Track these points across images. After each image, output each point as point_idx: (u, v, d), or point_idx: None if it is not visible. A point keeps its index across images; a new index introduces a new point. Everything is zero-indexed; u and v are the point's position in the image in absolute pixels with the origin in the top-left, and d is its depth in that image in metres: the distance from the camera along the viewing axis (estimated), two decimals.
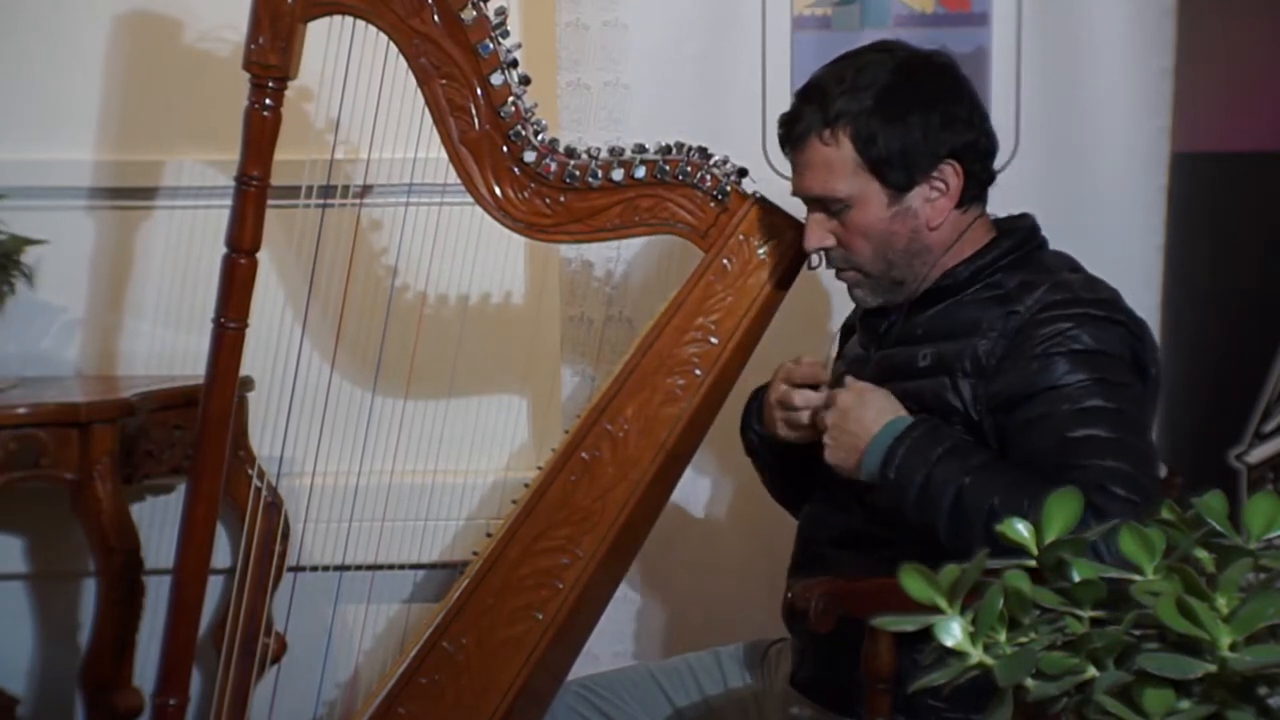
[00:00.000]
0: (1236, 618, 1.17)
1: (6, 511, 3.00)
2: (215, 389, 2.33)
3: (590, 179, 2.36)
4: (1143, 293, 2.91)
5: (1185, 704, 1.16)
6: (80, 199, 3.04)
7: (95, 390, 2.90)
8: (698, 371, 2.36)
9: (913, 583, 1.26)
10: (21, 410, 2.65)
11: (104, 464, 2.66)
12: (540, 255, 3.00)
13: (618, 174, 2.36)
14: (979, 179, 2.24)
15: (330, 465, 2.59)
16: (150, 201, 3.05)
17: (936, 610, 1.25)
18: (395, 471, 2.73)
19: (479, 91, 2.34)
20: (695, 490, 2.94)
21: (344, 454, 2.61)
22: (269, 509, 2.80)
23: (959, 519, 2.04)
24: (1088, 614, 1.24)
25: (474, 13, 2.31)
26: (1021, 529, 1.30)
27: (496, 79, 2.33)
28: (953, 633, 1.24)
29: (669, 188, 2.38)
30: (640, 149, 2.39)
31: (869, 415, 2.14)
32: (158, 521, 2.92)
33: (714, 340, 2.36)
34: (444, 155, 2.37)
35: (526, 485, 2.39)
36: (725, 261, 2.38)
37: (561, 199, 2.38)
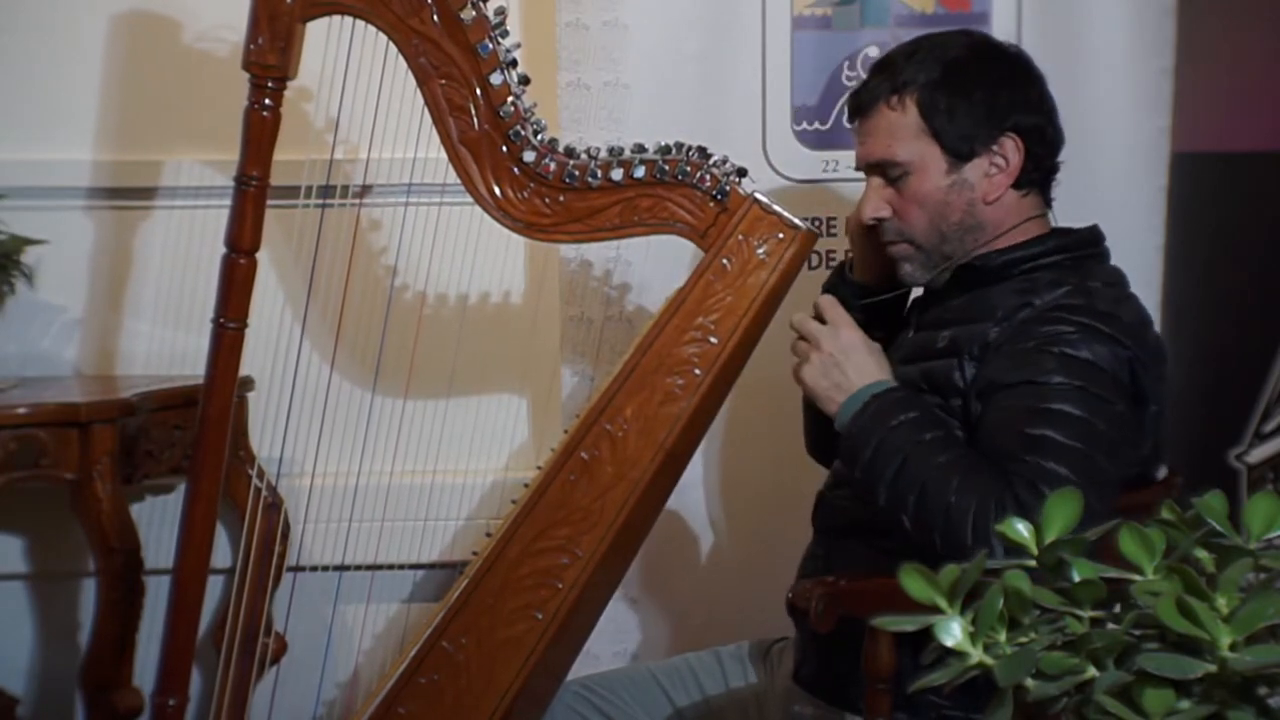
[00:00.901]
0: (1236, 618, 1.17)
1: (6, 511, 3.00)
2: (215, 389, 2.33)
3: (589, 179, 2.36)
4: (1143, 293, 2.89)
5: (1185, 704, 1.16)
6: (79, 199, 3.04)
7: (95, 390, 2.90)
8: (697, 371, 2.36)
9: (913, 583, 1.26)
10: (21, 410, 2.65)
11: (104, 464, 2.66)
12: (540, 255, 3.00)
13: (617, 174, 2.36)
14: (1041, 163, 2.24)
15: (330, 465, 2.59)
16: (150, 201, 3.05)
17: (936, 610, 1.25)
18: (395, 471, 2.73)
19: (478, 91, 2.33)
20: (695, 490, 2.94)
21: (344, 454, 2.61)
22: (269, 509, 2.80)
23: (897, 487, 2.07)
24: (1088, 614, 1.24)
25: (473, 12, 2.31)
26: (1021, 529, 1.30)
27: (496, 79, 2.33)
28: (953, 633, 1.24)
29: (668, 187, 2.38)
30: (640, 149, 2.39)
31: (869, 365, 2.18)
32: (157, 521, 2.92)
33: (713, 340, 2.36)
34: (443, 155, 2.36)
35: (526, 485, 2.39)
36: (725, 261, 2.38)
37: (561, 199, 2.37)
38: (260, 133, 2.30)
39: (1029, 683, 1.20)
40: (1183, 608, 1.17)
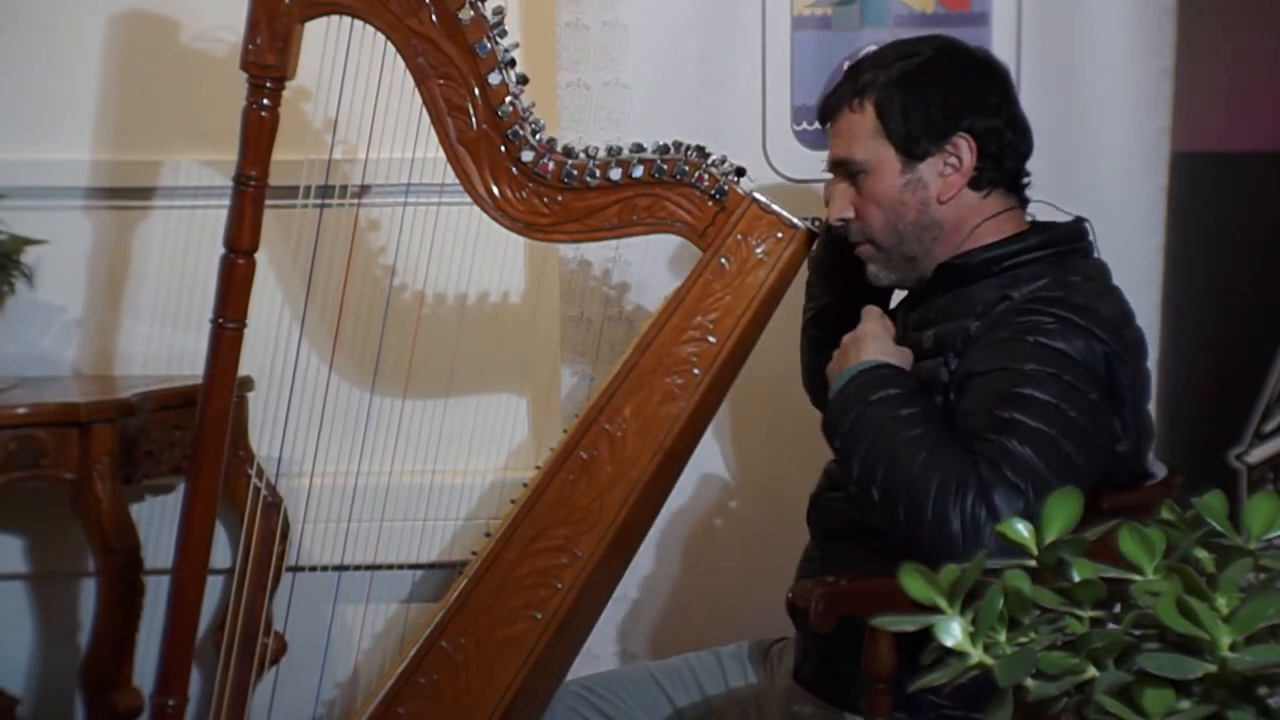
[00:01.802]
0: (1236, 618, 1.17)
1: (6, 511, 3.00)
2: (214, 389, 2.33)
3: (588, 178, 2.36)
4: (1143, 293, 2.91)
5: (1185, 704, 1.16)
6: (78, 199, 3.04)
7: (95, 390, 2.90)
8: (696, 371, 2.36)
9: (913, 583, 1.26)
10: (21, 410, 2.65)
11: (104, 464, 2.66)
12: (539, 255, 3.00)
13: (615, 173, 2.36)
14: (999, 163, 2.24)
15: (329, 465, 2.58)
16: (148, 201, 3.05)
17: (936, 610, 1.25)
18: (394, 471, 2.73)
19: (476, 91, 2.33)
20: (695, 490, 2.94)
21: (343, 454, 2.61)
22: (268, 509, 2.80)
23: (868, 459, 2.08)
24: (1088, 614, 1.24)
25: (471, 12, 2.31)
26: (1021, 529, 1.30)
27: (494, 78, 2.33)
28: (953, 633, 1.24)
29: (667, 187, 2.38)
30: (638, 148, 2.39)
31: (868, 347, 2.20)
32: (157, 521, 2.92)
33: (712, 339, 2.36)
34: (442, 155, 2.36)
35: (525, 485, 2.39)
36: (723, 260, 2.38)
37: (559, 198, 2.37)
38: (259, 133, 2.30)
39: (1029, 683, 1.20)
40: (1183, 608, 1.17)
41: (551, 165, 2.35)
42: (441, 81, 2.33)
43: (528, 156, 2.35)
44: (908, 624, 1.26)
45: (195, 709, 2.50)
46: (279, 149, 2.32)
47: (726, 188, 2.38)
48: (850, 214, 2.29)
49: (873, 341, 2.21)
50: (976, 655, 1.23)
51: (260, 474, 2.74)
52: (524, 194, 2.37)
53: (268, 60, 2.29)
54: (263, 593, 2.74)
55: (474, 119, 2.34)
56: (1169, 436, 2.92)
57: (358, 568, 2.74)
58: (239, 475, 2.78)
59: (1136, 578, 1.24)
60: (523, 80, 2.35)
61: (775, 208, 2.38)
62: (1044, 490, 1.99)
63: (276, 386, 2.56)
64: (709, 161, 2.39)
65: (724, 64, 2.91)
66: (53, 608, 3.10)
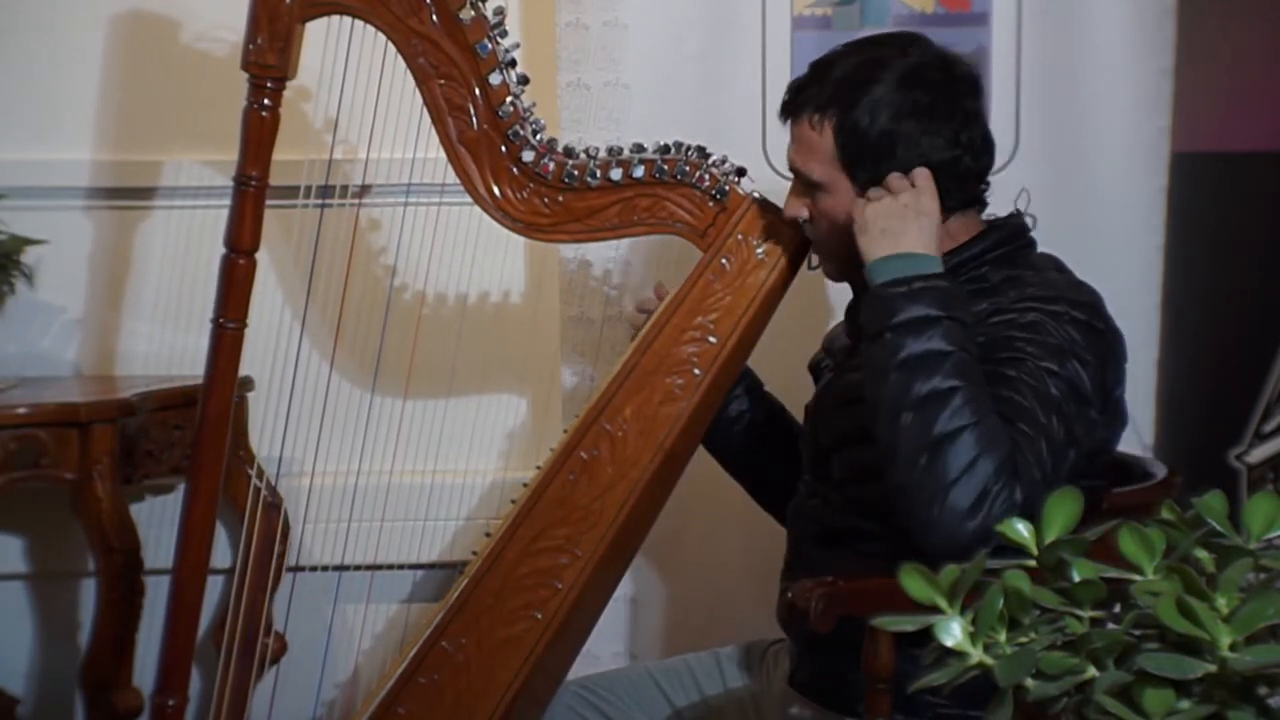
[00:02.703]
0: (1236, 618, 1.17)
1: (6, 511, 3.00)
2: (214, 389, 2.32)
3: (589, 178, 2.36)
4: (1143, 293, 2.91)
5: (1185, 704, 1.16)
6: (79, 199, 3.04)
7: (95, 390, 2.90)
8: (696, 371, 2.36)
9: (913, 583, 1.26)
10: (21, 410, 2.65)
11: (104, 464, 2.66)
12: (539, 255, 3.00)
13: (616, 173, 2.36)
14: (958, 190, 2.22)
15: (329, 465, 2.58)
16: (149, 201, 3.05)
17: (936, 610, 1.25)
18: (394, 471, 2.73)
19: (477, 91, 2.33)
20: (695, 490, 2.93)
21: (343, 454, 2.61)
22: (268, 509, 2.80)
23: (904, 379, 2.03)
24: (1088, 614, 1.24)
25: (472, 12, 2.31)
26: (1021, 529, 1.30)
27: (495, 79, 2.33)
28: (953, 633, 1.24)
29: (667, 187, 2.38)
30: (639, 149, 2.39)
31: (928, 238, 2.13)
32: (157, 521, 2.92)
33: (713, 339, 2.36)
34: (442, 155, 2.36)
35: (525, 485, 2.39)
36: (724, 261, 2.38)
37: (560, 198, 2.37)
38: (259, 133, 2.30)
39: (1029, 683, 1.20)
40: (1183, 608, 1.17)
41: (552, 165, 2.36)
42: (442, 81, 2.33)
43: (528, 157, 2.35)
44: (908, 624, 1.26)
45: (195, 709, 2.50)
46: (279, 149, 2.32)
47: (727, 188, 2.38)
48: (804, 215, 2.29)
49: (932, 229, 2.14)
50: (976, 655, 1.23)
51: (260, 474, 2.74)
52: (525, 194, 2.37)
53: (268, 60, 2.29)
54: (263, 593, 2.73)
55: (475, 119, 2.34)
56: (1169, 436, 2.92)
57: (358, 568, 2.74)
58: (239, 475, 2.78)
59: (1136, 578, 1.24)
60: (523, 80, 2.35)
61: (776, 208, 2.38)
62: (1039, 464, 2.01)
63: (277, 386, 2.55)
64: (709, 162, 2.39)
65: (724, 64, 2.91)
66: (53, 608, 3.10)
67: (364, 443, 2.64)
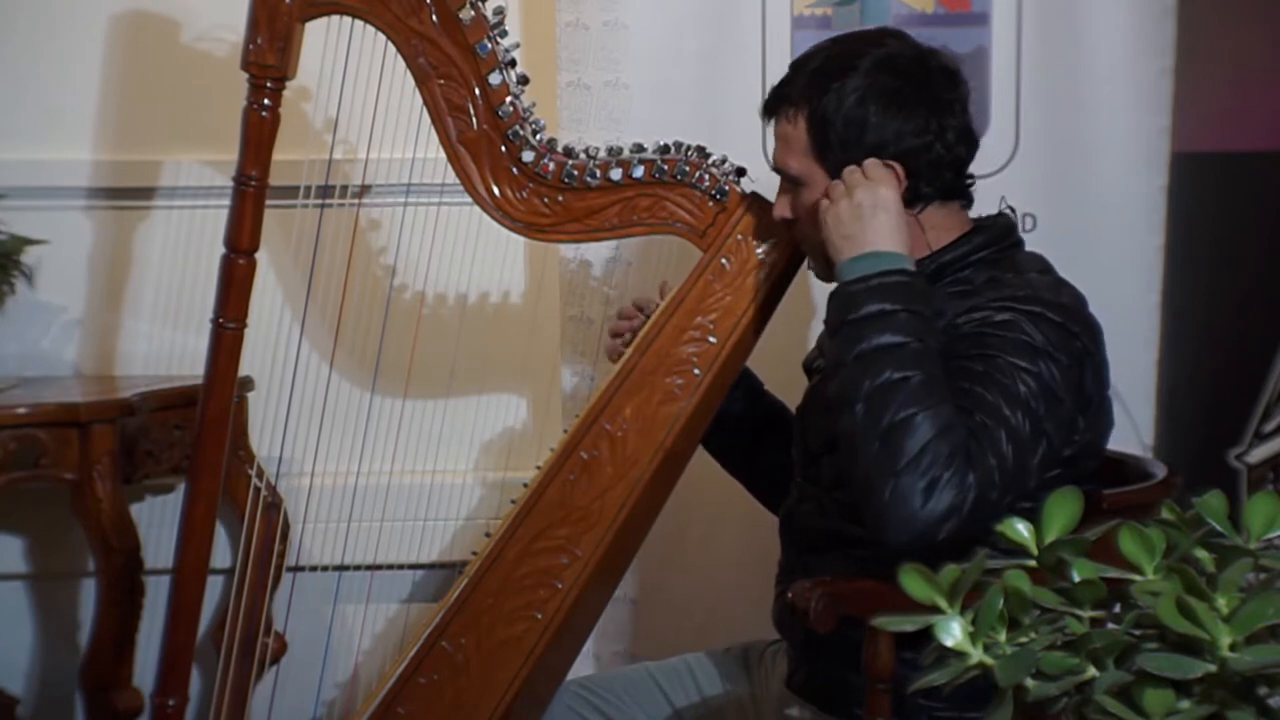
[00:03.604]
0: (1236, 618, 1.17)
1: (6, 511, 3.00)
2: (214, 389, 2.32)
3: (588, 178, 2.36)
4: (1143, 293, 2.91)
5: (1185, 704, 1.16)
6: (79, 199, 3.04)
7: (95, 390, 2.90)
8: (696, 371, 2.36)
9: (913, 583, 1.26)
10: (21, 410, 2.65)
11: (104, 464, 2.66)
12: (539, 255, 3.00)
13: (616, 173, 2.36)
14: (932, 179, 2.22)
15: (329, 465, 2.58)
16: (149, 202, 3.05)
17: (936, 610, 1.25)
18: (394, 471, 2.73)
19: (477, 91, 2.33)
20: (695, 490, 2.93)
21: (343, 454, 2.61)
22: (268, 509, 2.80)
23: (858, 371, 2.04)
24: (1088, 614, 1.24)
25: (472, 12, 2.31)
26: (1021, 529, 1.30)
27: (495, 79, 2.33)
28: (953, 633, 1.24)
29: (667, 187, 2.38)
30: (638, 148, 2.39)
31: (887, 230, 2.12)
32: (157, 521, 2.92)
33: (712, 339, 2.36)
34: (442, 155, 2.36)
35: (525, 485, 2.39)
36: (724, 261, 2.38)
37: (560, 199, 2.37)
38: (259, 133, 2.30)
39: (1029, 683, 1.20)
40: (1183, 608, 1.17)
41: (552, 165, 2.35)
42: (442, 81, 2.33)
43: (528, 157, 2.35)
44: (908, 624, 1.26)
45: (195, 709, 2.50)
46: (279, 149, 2.32)
47: (727, 188, 2.38)
48: (789, 215, 2.29)
49: (890, 219, 2.13)
50: (976, 655, 1.23)
51: (260, 474, 2.74)
52: (524, 194, 2.37)
53: (268, 60, 2.29)
54: (263, 593, 2.74)
55: (474, 119, 2.34)
56: (1169, 436, 2.92)
57: (358, 568, 2.74)
58: (239, 475, 2.78)
59: (1136, 578, 1.24)
60: (523, 80, 2.35)
61: None
62: (997, 455, 2.01)
63: (277, 386, 2.55)
64: (709, 161, 2.39)
65: (724, 64, 2.91)
66: (53, 608, 3.11)
67: (364, 443, 2.64)
